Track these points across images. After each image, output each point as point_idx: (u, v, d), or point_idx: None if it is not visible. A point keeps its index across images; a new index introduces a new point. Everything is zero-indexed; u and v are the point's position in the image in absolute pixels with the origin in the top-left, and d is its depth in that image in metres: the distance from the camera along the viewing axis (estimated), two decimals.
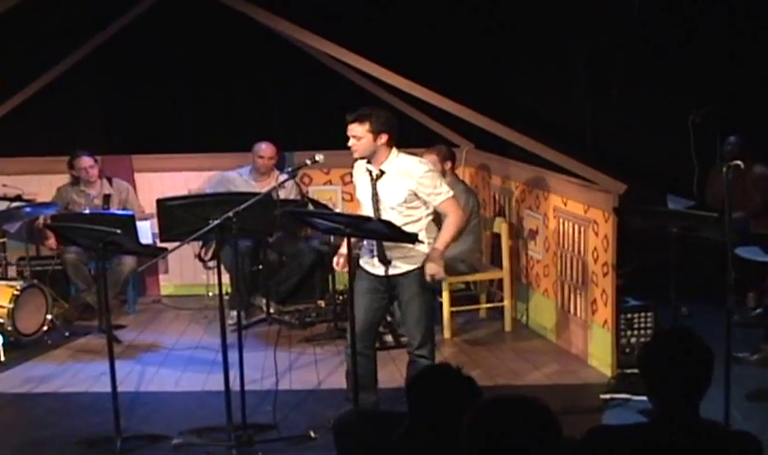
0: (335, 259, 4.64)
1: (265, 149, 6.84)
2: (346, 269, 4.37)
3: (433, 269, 4.43)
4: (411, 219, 4.44)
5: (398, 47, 6.60)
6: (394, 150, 4.45)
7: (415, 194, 4.42)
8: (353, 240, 4.34)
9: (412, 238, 4.34)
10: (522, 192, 6.50)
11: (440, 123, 7.21)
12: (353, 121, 4.37)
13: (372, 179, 4.47)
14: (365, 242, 4.57)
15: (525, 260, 6.49)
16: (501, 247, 6.41)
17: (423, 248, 4.45)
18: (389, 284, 4.53)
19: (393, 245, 4.45)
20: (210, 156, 7.32)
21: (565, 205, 5.93)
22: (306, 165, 4.70)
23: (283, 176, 5.27)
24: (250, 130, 7.24)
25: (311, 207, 6.62)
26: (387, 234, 4.32)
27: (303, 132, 7.47)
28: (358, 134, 4.37)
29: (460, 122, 6.31)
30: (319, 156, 4.68)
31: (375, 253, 4.51)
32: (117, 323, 6.41)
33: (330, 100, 7.13)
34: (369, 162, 4.47)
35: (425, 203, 4.44)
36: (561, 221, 5.98)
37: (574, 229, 5.83)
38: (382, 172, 4.45)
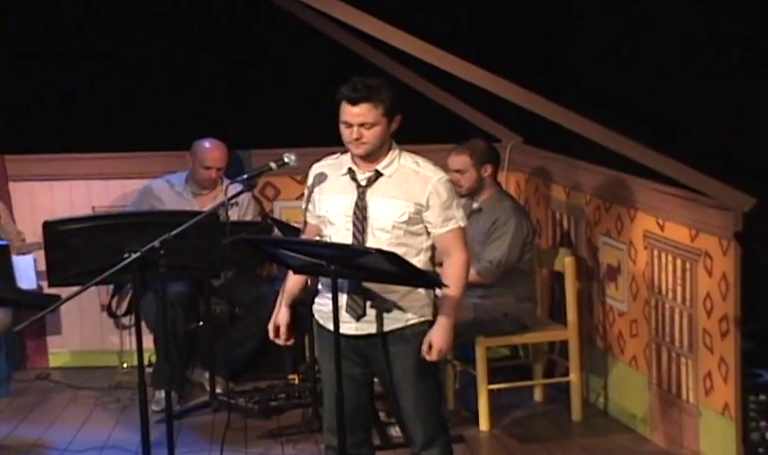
0: (270, 325, 4.68)
1: (212, 154, 6.96)
2: (290, 342, 4.53)
3: (442, 342, 4.44)
4: (406, 252, 4.46)
5: None
6: (395, 146, 4.56)
7: (421, 212, 4.48)
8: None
9: (432, 279, 4.36)
10: (597, 210, 6.52)
11: (471, 107, 7.30)
12: (361, 101, 4.42)
13: (357, 186, 4.50)
14: (322, 281, 4.60)
15: (602, 312, 6.53)
16: (564, 294, 6.42)
17: (422, 295, 4.52)
18: (365, 350, 4.54)
19: (378, 289, 4.48)
20: (126, 158, 7.42)
21: (662, 228, 5.96)
22: (270, 170, 4.73)
23: (235, 187, 5.21)
24: (186, 119, 7.36)
25: (277, 232, 6.64)
26: (394, 274, 4.33)
27: (265, 121, 7.54)
28: (370, 119, 4.43)
29: (501, 106, 6.34)
30: (288, 157, 4.71)
31: (345, 300, 4.48)
32: None
33: (305, 73, 7.19)
34: (354, 161, 4.51)
35: (425, 229, 4.52)
36: (656, 253, 6.00)
37: (675, 266, 5.86)
38: (378, 175, 4.49)
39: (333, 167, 4.58)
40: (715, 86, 6.39)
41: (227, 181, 6.89)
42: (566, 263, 6.41)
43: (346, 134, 4.45)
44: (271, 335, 4.70)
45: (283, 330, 4.66)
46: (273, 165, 4.70)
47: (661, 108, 6.47)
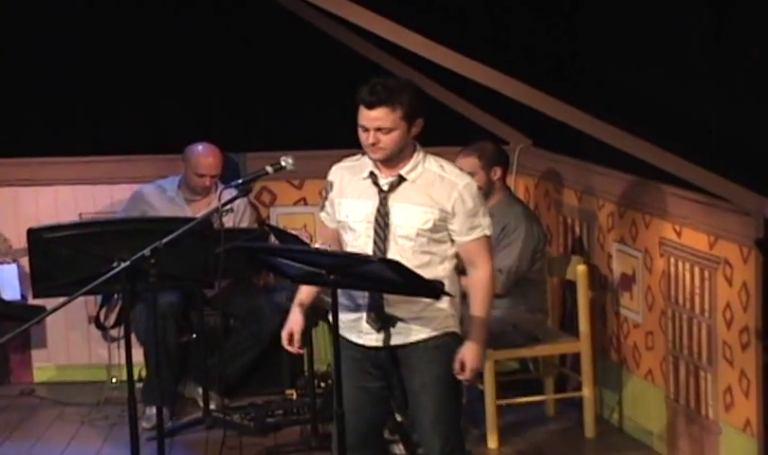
0: (283, 333, 4.70)
1: (206, 161, 6.94)
2: (303, 350, 4.53)
3: (475, 360, 4.50)
4: (431, 260, 4.51)
5: None
6: (420, 148, 4.57)
7: (446, 219, 4.48)
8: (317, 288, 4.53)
9: (436, 289, 4.36)
10: (610, 216, 6.50)
11: (477, 108, 7.30)
12: (378, 104, 4.43)
13: (379, 190, 4.52)
14: (343, 293, 4.60)
15: (616, 324, 6.52)
16: (576, 304, 6.41)
17: (445, 306, 4.54)
18: (385, 362, 4.58)
19: (398, 300, 4.50)
20: (115, 161, 7.42)
21: (679, 235, 5.95)
22: (267, 174, 4.79)
23: (230, 193, 5.26)
24: (178, 120, 7.44)
25: (274, 239, 6.62)
26: (398, 284, 4.35)
27: (260, 122, 7.56)
28: (388, 124, 4.44)
29: (509, 106, 6.34)
30: (285, 161, 4.76)
31: (366, 310, 4.52)
32: None
33: (303, 71, 7.21)
34: (377, 164, 4.53)
35: (451, 238, 4.53)
36: (673, 261, 6.00)
37: (693, 274, 5.85)
38: (401, 180, 4.49)
39: (354, 169, 4.60)
40: (734, 86, 6.40)
41: (221, 186, 6.76)
42: (578, 271, 6.40)
43: (363, 137, 4.47)
44: (284, 342, 4.70)
45: (297, 337, 4.68)
46: (270, 169, 4.74)
47: (678, 108, 6.46)
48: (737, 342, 5.52)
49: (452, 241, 4.54)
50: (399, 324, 4.53)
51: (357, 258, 4.42)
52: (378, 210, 4.50)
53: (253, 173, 4.92)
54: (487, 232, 4.56)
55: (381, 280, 4.36)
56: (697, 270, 5.79)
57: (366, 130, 4.45)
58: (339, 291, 4.56)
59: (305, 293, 4.71)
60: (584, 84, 6.92)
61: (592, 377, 6.37)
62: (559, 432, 6.49)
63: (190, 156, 6.93)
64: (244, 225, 6.97)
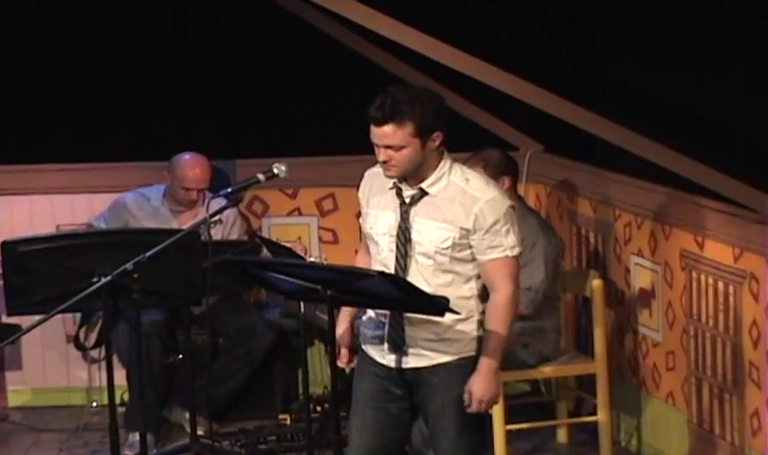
0: (341, 350, 4.75)
1: (193, 174, 6.95)
2: (351, 365, 4.65)
3: (483, 390, 4.49)
4: (453, 280, 4.53)
5: None
6: (447, 157, 4.56)
7: (467, 237, 4.49)
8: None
9: (440, 305, 4.36)
10: (628, 226, 6.52)
11: (485, 111, 7.31)
12: (385, 121, 4.42)
13: (401, 203, 4.53)
14: (370, 311, 4.65)
15: (633, 343, 6.52)
16: (591, 322, 6.41)
17: (470, 328, 4.55)
18: (408, 385, 4.59)
19: (420, 320, 4.52)
20: (94, 169, 7.44)
21: (701, 247, 5.96)
22: (258, 182, 4.85)
23: (219, 202, 5.32)
24: (162, 126, 7.40)
25: (266, 252, 6.62)
26: (400, 300, 4.37)
27: (251, 127, 7.55)
28: (398, 142, 4.43)
29: (518, 110, 6.36)
30: (278, 168, 4.83)
31: (387, 328, 4.55)
32: None
33: (297, 73, 7.22)
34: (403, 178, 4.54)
35: (473, 256, 4.53)
36: (694, 275, 6.01)
37: (716, 290, 5.86)
38: (423, 193, 4.51)
39: (379, 176, 4.60)
40: (762, 87, 6.37)
41: (209, 196, 6.76)
42: (593, 286, 6.38)
43: (376, 154, 4.48)
44: (341, 359, 4.76)
45: (344, 352, 4.74)
46: (261, 177, 4.81)
47: (700, 112, 6.45)
48: (764, 362, 5.52)
49: (475, 260, 4.53)
50: (421, 346, 4.55)
51: (355, 272, 4.44)
52: (400, 225, 4.52)
53: (244, 182, 4.99)
54: (510, 253, 4.52)
55: (382, 296, 4.38)
56: (721, 285, 5.79)
57: (378, 147, 4.46)
58: (369, 312, 4.64)
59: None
60: (599, 85, 6.92)
61: (608, 400, 6.35)
62: None
63: (175, 168, 6.95)
64: (233, 237, 6.99)
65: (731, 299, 5.71)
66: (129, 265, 4.68)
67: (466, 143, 6.61)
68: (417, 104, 4.42)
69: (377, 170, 4.61)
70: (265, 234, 7.33)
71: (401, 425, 4.68)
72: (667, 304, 6.21)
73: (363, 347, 4.68)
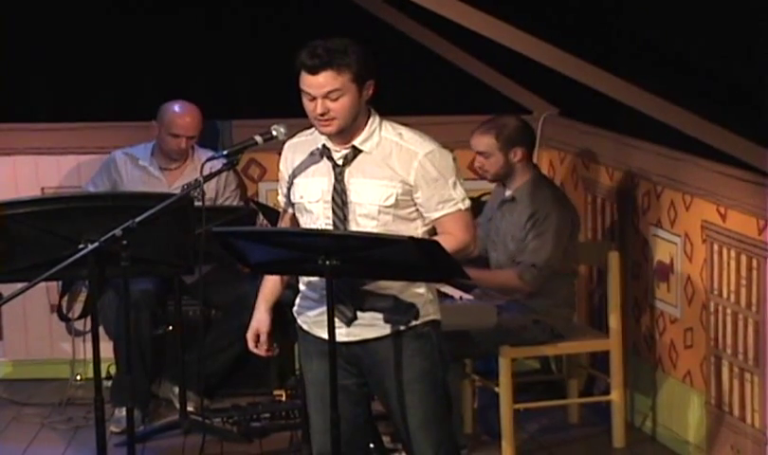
0: (249, 333, 4.79)
1: (182, 119, 6.99)
2: (273, 353, 4.70)
3: None
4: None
5: None
6: (375, 114, 4.58)
7: (410, 193, 4.49)
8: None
9: (459, 267, 4.36)
10: (646, 196, 6.55)
11: (497, 72, 7.32)
12: (322, 67, 4.44)
13: (334, 166, 4.54)
14: (304, 280, 4.69)
15: (650, 319, 6.55)
16: (606, 296, 6.46)
17: (422, 290, 4.58)
18: (360, 359, 4.61)
19: (372, 286, 4.53)
20: (81, 129, 7.46)
21: (723, 218, 5.96)
22: (255, 145, 4.77)
23: (213, 163, 5.26)
24: (153, 84, 7.48)
25: (262, 219, 6.69)
26: (417, 268, 4.34)
27: (248, 86, 7.66)
28: (338, 86, 4.44)
29: (532, 71, 6.41)
30: (277, 129, 4.73)
31: (333, 301, 4.51)
32: None
33: (296, 28, 7.12)
34: (330, 138, 4.57)
35: (419, 213, 4.55)
36: (716, 248, 6.02)
37: (738, 263, 5.86)
38: (356, 152, 4.53)
39: (308, 143, 4.62)
40: None
41: (200, 152, 6.96)
42: (609, 258, 6.40)
43: (310, 108, 4.47)
44: (250, 345, 4.76)
45: (263, 338, 4.72)
46: (259, 139, 4.71)
47: (726, 77, 6.43)
48: None
49: (422, 218, 4.56)
50: (373, 315, 4.54)
51: (382, 238, 4.39)
52: (335, 188, 4.53)
53: (240, 144, 4.88)
54: (462, 206, 4.56)
55: (396, 265, 4.35)
56: (744, 258, 5.80)
57: (313, 99, 4.44)
58: (301, 282, 4.67)
59: (269, 288, 4.79)
60: (619, 46, 6.87)
61: (622, 379, 6.40)
62: (584, 441, 6.55)
63: (164, 115, 6.97)
64: (228, 195, 7.07)
65: (754, 273, 5.71)
66: (117, 231, 4.58)
67: (476, 104, 6.63)
68: (351, 51, 4.44)
69: (297, 139, 4.66)
70: (261, 200, 7.36)
71: (362, 399, 4.68)
72: (687, 278, 6.22)
73: (305, 328, 4.68)
